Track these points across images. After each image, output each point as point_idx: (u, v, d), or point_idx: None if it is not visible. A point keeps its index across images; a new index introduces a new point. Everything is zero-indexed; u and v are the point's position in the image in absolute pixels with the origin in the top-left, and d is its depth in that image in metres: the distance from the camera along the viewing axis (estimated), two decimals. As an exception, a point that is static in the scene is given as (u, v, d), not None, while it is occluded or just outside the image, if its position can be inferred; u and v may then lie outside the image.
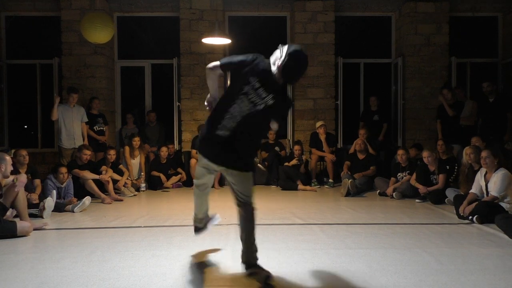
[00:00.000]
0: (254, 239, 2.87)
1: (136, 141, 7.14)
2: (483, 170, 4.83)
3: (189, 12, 8.21)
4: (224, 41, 7.32)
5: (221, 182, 7.45)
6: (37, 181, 5.46)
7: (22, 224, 4.03)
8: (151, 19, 8.73)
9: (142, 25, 8.83)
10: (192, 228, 3.47)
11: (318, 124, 7.61)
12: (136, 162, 7.17)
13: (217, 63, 2.81)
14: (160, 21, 8.71)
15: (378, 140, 7.75)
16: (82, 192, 5.75)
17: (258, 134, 2.87)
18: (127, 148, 7.14)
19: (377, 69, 8.99)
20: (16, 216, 4.46)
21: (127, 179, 6.70)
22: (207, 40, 7.31)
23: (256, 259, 2.89)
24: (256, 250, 2.89)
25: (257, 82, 2.65)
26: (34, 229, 4.18)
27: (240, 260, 2.93)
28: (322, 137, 7.51)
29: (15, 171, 4.89)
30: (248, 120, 2.64)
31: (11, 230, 3.91)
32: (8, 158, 4.24)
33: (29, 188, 5.18)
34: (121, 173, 6.64)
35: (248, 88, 2.65)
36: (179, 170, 7.60)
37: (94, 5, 7.97)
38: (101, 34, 6.52)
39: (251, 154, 2.87)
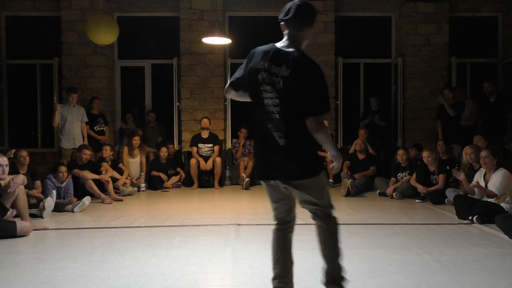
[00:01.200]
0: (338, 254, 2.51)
1: (136, 140, 7.14)
2: (482, 170, 4.83)
3: (189, 12, 8.21)
4: (225, 41, 7.32)
5: (221, 182, 7.46)
6: (38, 182, 5.46)
7: (22, 224, 4.03)
8: (151, 19, 8.73)
9: (142, 25, 8.83)
10: (192, 228, 3.46)
11: None
12: (135, 161, 7.17)
13: (228, 86, 2.50)
14: (160, 21, 8.71)
15: (378, 140, 7.74)
16: (82, 192, 5.75)
17: (301, 123, 2.25)
18: (125, 148, 7.15)
19: (377, 69, 8.98)
20: (16, 216, 4.46)
21: (127, 178, 6.70)
22: (207, 40, 7.31)
23: (342, 279, 2.52)
24: (340, 267, 2.52)
25: (264, 62, 2.30)
26: (34, 229, 4.18)
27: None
28: None
29: (16, 172, 4.89)
30: (283, 108, 2.24)
31: (11, 230, 3.91)
32: (2, 158, 4.23)
33: (30, 187, 5.18)
34: (121, 172, 6.65)
35: (261, 75, 2.29)
36: (179, 170, 7.60)
37: (94, 5, 7.97)
38: (106, 36, 6.55)
39: (307, 152, 2.31)
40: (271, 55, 2.30)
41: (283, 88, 2.22)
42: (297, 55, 2.26)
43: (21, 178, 4.25)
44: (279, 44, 2.35)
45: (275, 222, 2.56)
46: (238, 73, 2.48)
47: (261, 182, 2.47)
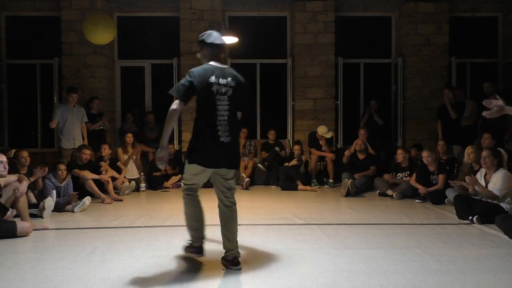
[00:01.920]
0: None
1: (129, 137, 7.15)
2: (482, 171, 4.82)
3: (189, 12, 8.22)
4: (232, 39, 7.28)
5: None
6: (39, 181, 5.45)
7: (22, 224, 4.03)
8: (151, 19, 8.73)
9: (142, 25, 8.83)
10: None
11: (321, 131, 7.52)
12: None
13: (177, 101, 2.99)
14: (160, 21, 8.71)
15: (378, 140, 7.74)
16: (82, 192, 5.75)
17: (237, 123, 3.15)
18: (120, 149, 7.17)
19: (377, 69, 8.99)
20: (16, 216, 4.46)
21: (124, 177, 6.71)
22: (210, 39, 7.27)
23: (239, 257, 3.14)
24: (237, 246, 3.17)
25: (215, 77, 3.02)
26: (34, 229, 4.18)
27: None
28: (322, 142, 7.50)
29: (16, 172, 4.89)
30: (230, 112, 3.05)
31: (11, 230, 3.91)
32: (1, 155, 4.23)
33: (31, 188, 5.18)
34: (119, 171, 6.67)
35: (215, 87, 3.01)
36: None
37: (94, 5, 7.98)
38: (103, 35, 6.54)
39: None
40: (217, 72, 3.04)
41: (232, 95, 3.05)
42: (232, 69, 3.17)
43: (25, 187, 4.30)
44: (215, 64, 3.10)
45: (188, 190, 3.17)
46: (182, 90, 3.00)
47: (199, 166, 3.04)
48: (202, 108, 3.05)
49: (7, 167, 4.27)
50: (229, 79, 3.07)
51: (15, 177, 4.40)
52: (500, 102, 2.94)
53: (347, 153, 7.06)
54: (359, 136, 7.26)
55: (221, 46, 3.17)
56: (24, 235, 3.97)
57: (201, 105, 3.05)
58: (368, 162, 7.03)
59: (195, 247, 3.29)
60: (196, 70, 3.04)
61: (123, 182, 6.62)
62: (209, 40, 3.12)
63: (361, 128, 7.48)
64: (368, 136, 7.26)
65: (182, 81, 3.02)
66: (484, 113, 3.01)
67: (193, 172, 3.09)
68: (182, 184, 3.23)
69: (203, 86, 2.99)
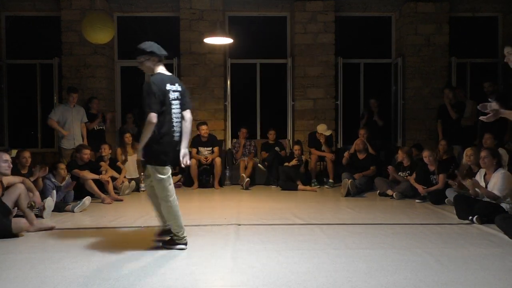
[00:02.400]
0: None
1: (128, 137, 7.16)
2: (482, 171, 4.82)
3: (189, 12, 8.22)
4: (226, 40, 7.31)
5: (221, 182, 7.46)
6: (39, 181, 5.44)
7: (17, 221, 4.00)
8: (151, 19, 8.73)
9: (142, 25, 8.82)
10: (192, 228, 3.47)
11: (320, 129, 7.53)
12: (131, 159, 7.15)
13: (155, 114, 3.36)
14: (160, 21, 8.70)
15: (378, 140, 7.74)
16: (82, 192, 5.75)
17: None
18: (119, 149, 7.18)
19: (377, 69, 8.98)
20: (16, 216, 4.45)
21: (124, 177, 6.71)
22: (208, 40, 7.30)
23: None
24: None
25: (169, 84, 3.49)
26: (40, 230, 4.18)
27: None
28: (322, 141, 7.50)
29: (16, 172, 4.89)
30: (180, 115, 3.58)
31: (6, 225, 3.86)
32: (1, 154, 4.23)
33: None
34: (119, 171, 6.67)
35: (170, 94, 3.47)
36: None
37: (94, 5, 7.97)
38: (101, 34, 6.54)
39: None
40: (168, 80, 3.50)
41: (180, 100, 3.55)
42: (175, 76, 3.73)
43: (38, 197, 4.57)
44: (164, 71, 3.57)
45: (172, 190, 3.53)
46: (155, 101, 3.38)
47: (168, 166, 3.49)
48: (162, 115, 3.40)
49: (11, 166, 4.30)
50: (177, 85, 3.53)
51: (19, 179, 4.44)
52: (495, 105, 2.95)
53: (346, 155, 7.05)
54: (359, 136, 7.26)
55: (163, 55, 3.61)
56: (20, 231, 3.95)
57: (161, 112, 3.40)
58: (368, 162, 7.02)
59: (184, 240, 3.56)
60: (155, 79, 3.42)
61: (123, 182, 6.62)
62: (153, 49, 3.52)
63: (361, 128, 7.48)
64: (368, 136, 7.26)
65: (149, 94, 3.36)
66: (481, 118, 3.03)
67: (168, 172, 3.47)
68: (167, 192, 3.48)
69: (164, 94, 3.40)
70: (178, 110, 3.53)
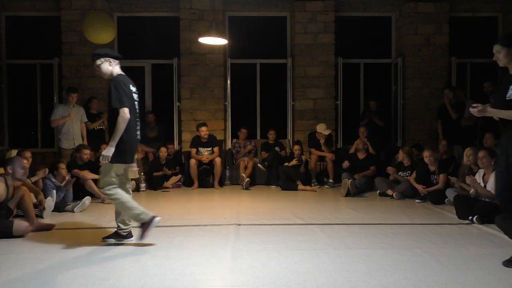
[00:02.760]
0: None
1: None
2: (481, 171, 4.83)
3: (189, 12, 8.22)
4: (221, 41, 7.32)
5: (221, 182, 7.46)
6: (39, 182, 5.45)
7: (19, 224, 4.00)
8: (151, 19, 8.73)
9: (142, 25, 8.82)
10: (192, 228, 3.46)
11: (320, 129, 7.52)
12: None
13: (126, 109, 3.51)
14: (160, 21, 8.70)
15: (378, 140, 7.73)
16: (82, 192, 5.75)
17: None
18: None
19: (377, 69, 8.98)
20: (16, 216, 4.45)
21: None
22: (204, 40, 7.31)
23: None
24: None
25: (132, 85, 3.70)
26: (42, 230, 4.18)
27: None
28: (321, 141, 7.49)
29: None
30: (139, 114, 3.80)
31: (8, 227, 3.87)
32: (20, 160, 4.27)
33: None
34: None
35: (134, 95, 3.70)
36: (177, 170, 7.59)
37: (94, 5, 7.98)
38: (102, 34, 6.55)
39: None
40: (129, 81, 3.69)
41: (137, 100, 3.75)
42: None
43: (43, 198, 4.76)
44: (123, 73, 3.69)
45: (116, 187, 3.66)
46: (125, 97, 3.54)
47: (124, 165, 3.65)
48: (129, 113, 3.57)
49: (27, 173, 4.36)
50: (135, 87, 3.76)
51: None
52: (481, 106, 3.16)
53: (346, 164, 6.98)
54: (359, 135, 7.25)
55: (119, 57, 3.73)
56: (21, 235, 3.95)
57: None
58: (368, 162, 7.02)
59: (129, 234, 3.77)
60: (121, 79, 3.57)
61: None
62: (107, 52, 3.67)
63: (361, 127, 7.45)
64: (368, 135, 7.25)
65: (119, 90, 3.49)
66: (471, 110, 3.22)
67: (119, 172, 3.63)
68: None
69: (130, 94, 3.62)
70: (138, 110, 3.77)
